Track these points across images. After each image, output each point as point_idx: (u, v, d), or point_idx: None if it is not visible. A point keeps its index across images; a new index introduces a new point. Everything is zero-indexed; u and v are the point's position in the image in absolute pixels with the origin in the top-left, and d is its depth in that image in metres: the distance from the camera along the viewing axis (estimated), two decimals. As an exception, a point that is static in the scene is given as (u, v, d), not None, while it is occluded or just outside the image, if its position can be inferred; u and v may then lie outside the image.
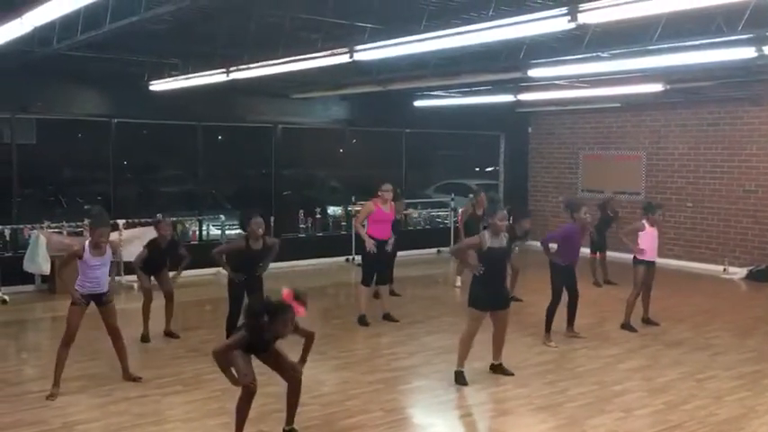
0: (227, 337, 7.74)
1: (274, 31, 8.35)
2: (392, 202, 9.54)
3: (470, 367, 7.61)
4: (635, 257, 9.37)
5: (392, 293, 10.48)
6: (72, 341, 6.79)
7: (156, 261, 8.82)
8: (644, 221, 9.31)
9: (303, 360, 5.75)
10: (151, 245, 8.87)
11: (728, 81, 11.88)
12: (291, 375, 5.66)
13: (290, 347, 5.74)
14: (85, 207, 16.70)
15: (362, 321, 9.35)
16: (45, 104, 12.01)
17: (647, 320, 9.57)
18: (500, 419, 6.50)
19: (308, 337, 5.74)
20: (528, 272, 11.70)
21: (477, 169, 22.59)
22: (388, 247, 9.44)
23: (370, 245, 9.18)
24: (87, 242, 6.78)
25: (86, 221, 6.79)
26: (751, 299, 12.16)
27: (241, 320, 5.73)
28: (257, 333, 5.33)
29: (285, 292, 5.35)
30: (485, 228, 7.24)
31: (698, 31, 7.32)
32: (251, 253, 7.92)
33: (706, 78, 11.69)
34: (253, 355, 5.60)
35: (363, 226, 9.53)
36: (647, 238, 9.26)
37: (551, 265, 8.68)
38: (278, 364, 5.66)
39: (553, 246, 8.73)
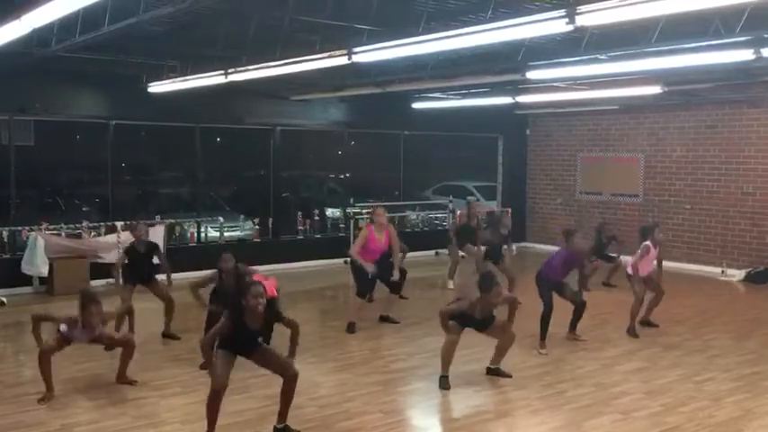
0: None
1: (273, 33, 8.35)
2: (389, 228, 9.44)
3: (469, 369, 7.63)
4: (628, 274, 9.34)
5: (400, 297, 10.53)
6: (49, 357, 6.68)
7: (140, 266, 8.80)
8: (647, 243, 9.19)
9: (292, 353, 5.83)
10: (129, 250, 8.94)
11: (726, 83, 11.88)
12: (286, 371, 5.69)
13: (282, 344, 5.74)
14: (84, 209, 16.75)
15: (350, 329, 9.23)
16: (43, 106, 12.00)
17: (646, 322, 9.56)
18: (499, 421, 6.49)
19: (294, 328, 5.81)
20: (526, 275, 11.67)
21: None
22: (394, 276, 9.37)
23: (370, 269, 9.14)
24: (74, 323, 6.63)
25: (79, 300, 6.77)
26: (749, 301, 12.17)
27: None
28: (237, 314, 5.46)
29: (256, 275, 5.86)
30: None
31: (696, 33, 7.32)
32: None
33: (704, 80, 11.70)
34: (247, 358, 5.66)
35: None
36: (648, 262, 9.25)
37: (538, 278, 8.72)
38: (270, 361, 5.74)
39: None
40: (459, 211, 16.23)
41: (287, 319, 5.76)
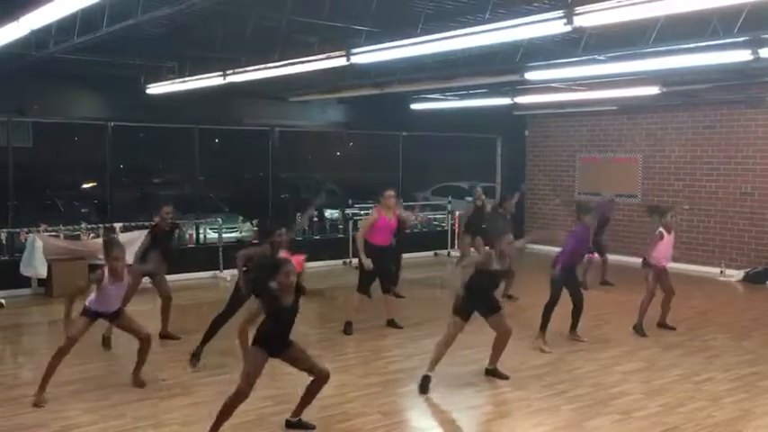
0: (207, 332, 7.76)
1: (271, 35, 8.36)
2: (397, 208, 9.51)
3: (468, 369, 7.64)
4: (645, 261, 9.33)
5: (396, 296, 10.51)
6: (68, 352, 6.69)
7: (165, 246, 8.77)
8: (660, 230, 9.18)
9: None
10: (154, 230, 8.80)
11: (725, 84, 11.90)
12: (319, 370, 5.84)
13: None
14: (82, 210, 16.75)
15: (347, 329, 9.18)
16: (41, 107, 12.01)
17: (662, 325, 9.54)
18: (498, 422, 6.49)
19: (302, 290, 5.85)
20: (526, 273, 11.68)
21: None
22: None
23: (367, 264, 9.11)
24: (105, 269, 6.70)
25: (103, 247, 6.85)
26: (748, 301, 12.18)
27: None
28: (270, 297, 5.63)
29: (282, 253, 6.08)
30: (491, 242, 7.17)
31: (694, 33, 7.33)
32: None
33: (702, 81, 11.72)
34: (279, 357, 5.75)
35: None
36: (664, 247, 9.18)
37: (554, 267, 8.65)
38: (301, 359, 5.85)
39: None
40: (458, 212, 16.28)
41: (305, 289, 5.90)
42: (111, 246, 6.82)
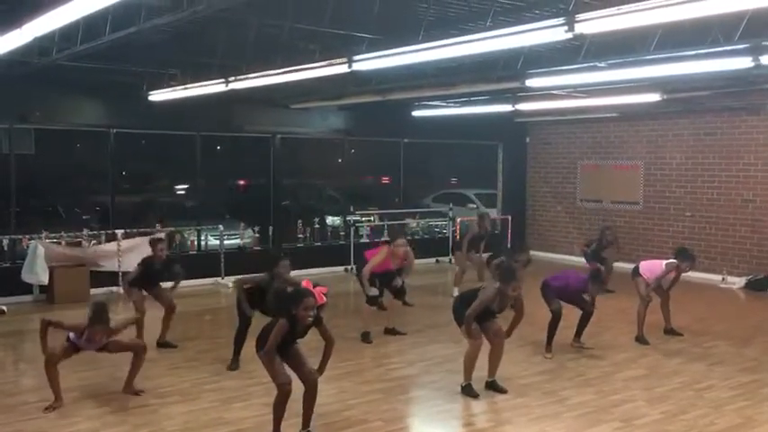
0: (235, 349, 7.89)
1: (273, 42, 8.38)
2: (407, 255, 9.45)
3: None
4: (637, 271, 9.37)
5: (404, 303, 10.59)
6: (56, 363, 6.65)
7: (151, 279, 8.76)
8: (676, 263, 9.15)
9: (321, 368, 5.96)
10: (145, 263, 8.80)
11: (726, 91, 11.91)
12: (307, 377, 5.86)
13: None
14: (84, 217, 16.76)
15: (366, 338, 9.19)
16: (44, 114, 12.02)
17: (670, 331, 9.55)
18: (499, 429, 6.48)
19: (329, 342, 5.96)
20: (526, 282, 11.65)
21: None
22: (397, 282, 9.43)
23: (371, 293, 9.16)
24: (80, 333, 6.60)
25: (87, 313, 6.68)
26: (749, 308, 12.16)
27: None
28: (291, 321, 5.65)
29: (305, 281, 6.03)
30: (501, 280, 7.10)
31: (695, 41, 7.33)
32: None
33: (703, 88, 11.72)
34: (280, 357, 5.81)
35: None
36: (665, 277, 9.28)
37: (543, 287, 8.76)
38: (298, 364, 5.89)
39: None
40: (459, 219, 16.29)
41: (326, 331, 5.91)
42: (96, 314, 6.57)
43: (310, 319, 5.67)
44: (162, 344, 8.76)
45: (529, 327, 8.52)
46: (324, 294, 5.94)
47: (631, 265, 9.81)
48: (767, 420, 6.57)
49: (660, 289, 9.40)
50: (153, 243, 8.89)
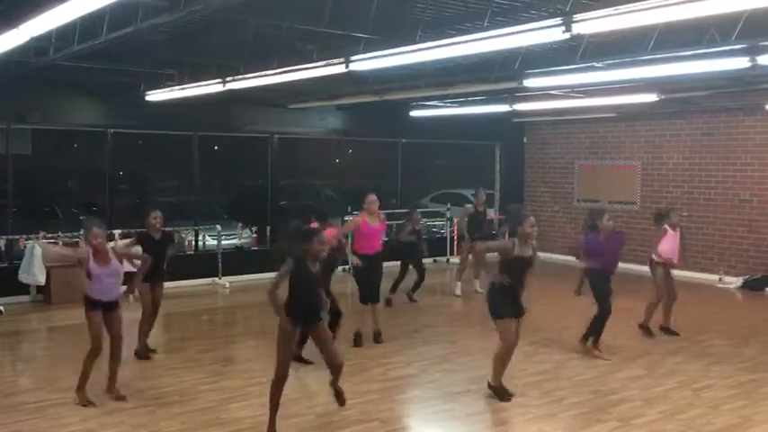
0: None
1: (270, 42, 8.38)
2: (382, 214, 9.30)
3: (466, 377, 7.63)
4: (652, 260, 9.36)
5: (411, 300, 10.68)
6: (99, 353, 6.67)
7: (156, 257, 7.97)
8: (665, 226, 9.26)
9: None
10: (141, 237, 8.27)
11: (723, 91, 11.93)
12: (333, 359, 6.24)
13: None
14: (81, 218, 16.72)
15: (357, 341, 8.90)
16: (41, 115, 12.01)
17: (665, 329, 9.56)
18: (497, 429, 6.49)
19: (335, 309, 6.54)
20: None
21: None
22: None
23: (355, 261, 8.96)
24: (89, 252, 6.59)
25: (82, 233, 6.41)
26: (747, 308, 12.18)
27: None
28: (300, 257, 5.86)
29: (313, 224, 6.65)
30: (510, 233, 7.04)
31: (692, 41, 7.35)
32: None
33: (700, 88, 11.74)
34: (308, 332, 6.18)
35: (347, 239, 9.52)
36: (671, 242, 9.26)
37: (588, 272, 8.53)
38: (324, 343, 6.21)
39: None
40: (456, 218, 16.27)
41: (330, 294, 6.27)
42: (88, 224, 6.52)
43: (323, 253, 5.96)
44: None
45: (528, 325, 8.51)
46: (334, 236, 6.46)
47: (630, 265, 9.80)
48: (765, 420, 6.58)
49: (672, 283, 9.41)
50: (146, 212, 8.29)
